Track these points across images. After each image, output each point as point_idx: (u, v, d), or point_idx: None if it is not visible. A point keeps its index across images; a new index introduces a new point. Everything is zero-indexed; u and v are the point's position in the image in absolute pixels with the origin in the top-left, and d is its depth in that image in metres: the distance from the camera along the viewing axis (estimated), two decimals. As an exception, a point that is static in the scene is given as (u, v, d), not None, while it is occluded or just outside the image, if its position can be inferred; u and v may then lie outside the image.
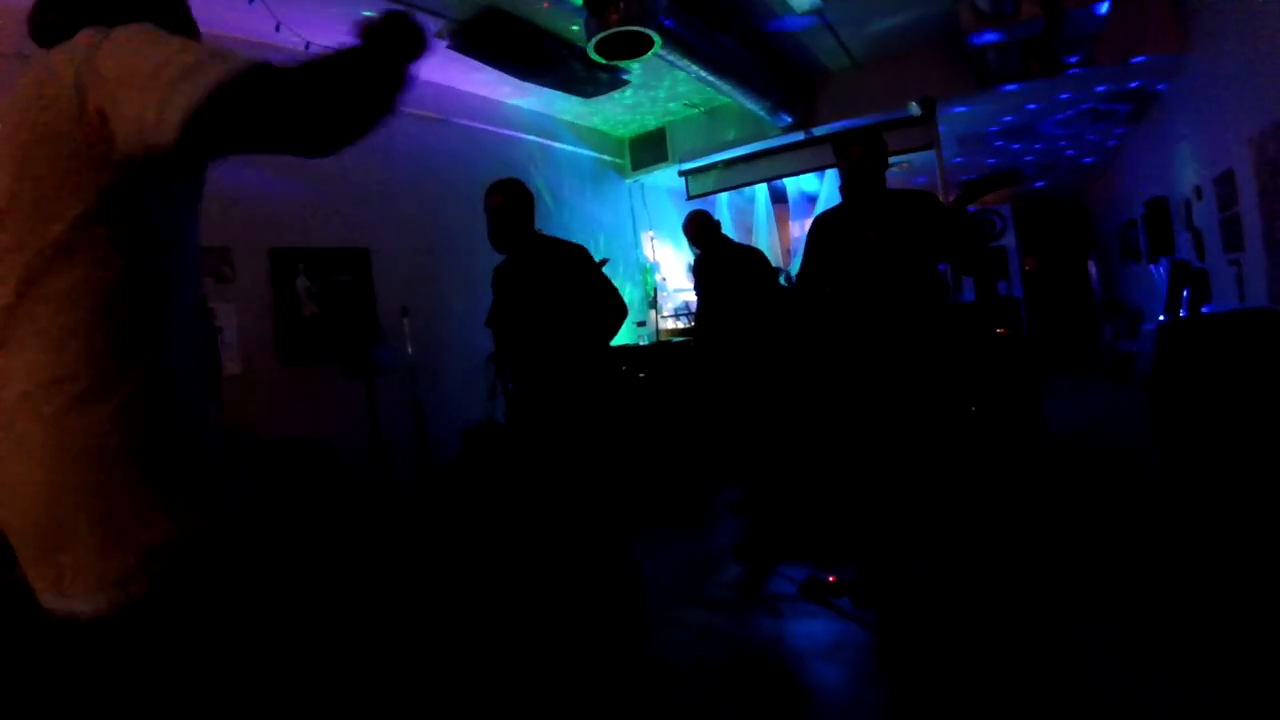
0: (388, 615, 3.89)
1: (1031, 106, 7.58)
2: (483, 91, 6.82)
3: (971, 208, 3.47)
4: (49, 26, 1.30)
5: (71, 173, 1.11)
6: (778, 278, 5.67)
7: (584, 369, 3.52)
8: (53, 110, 1.11)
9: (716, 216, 5.50)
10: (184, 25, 1.50)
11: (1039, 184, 12.08)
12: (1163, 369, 4.58)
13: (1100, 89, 7.14)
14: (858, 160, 3.48)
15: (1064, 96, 7.29)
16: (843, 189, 3.62)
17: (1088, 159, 10.63)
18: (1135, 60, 6.21)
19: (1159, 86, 7.17)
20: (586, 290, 3.50)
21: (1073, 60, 6.03)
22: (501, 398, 5.67)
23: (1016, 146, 9.41)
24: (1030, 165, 10.68)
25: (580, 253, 3.56)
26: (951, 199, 3.67)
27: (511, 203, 3.52)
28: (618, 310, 3.54)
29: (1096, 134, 9.08)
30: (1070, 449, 6.16)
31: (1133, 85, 7.10)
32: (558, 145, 7.78)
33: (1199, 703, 2.36)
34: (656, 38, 4.65)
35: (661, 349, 7.38)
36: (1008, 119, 8.01)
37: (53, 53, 1.17)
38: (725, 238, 5.37)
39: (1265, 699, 2.31)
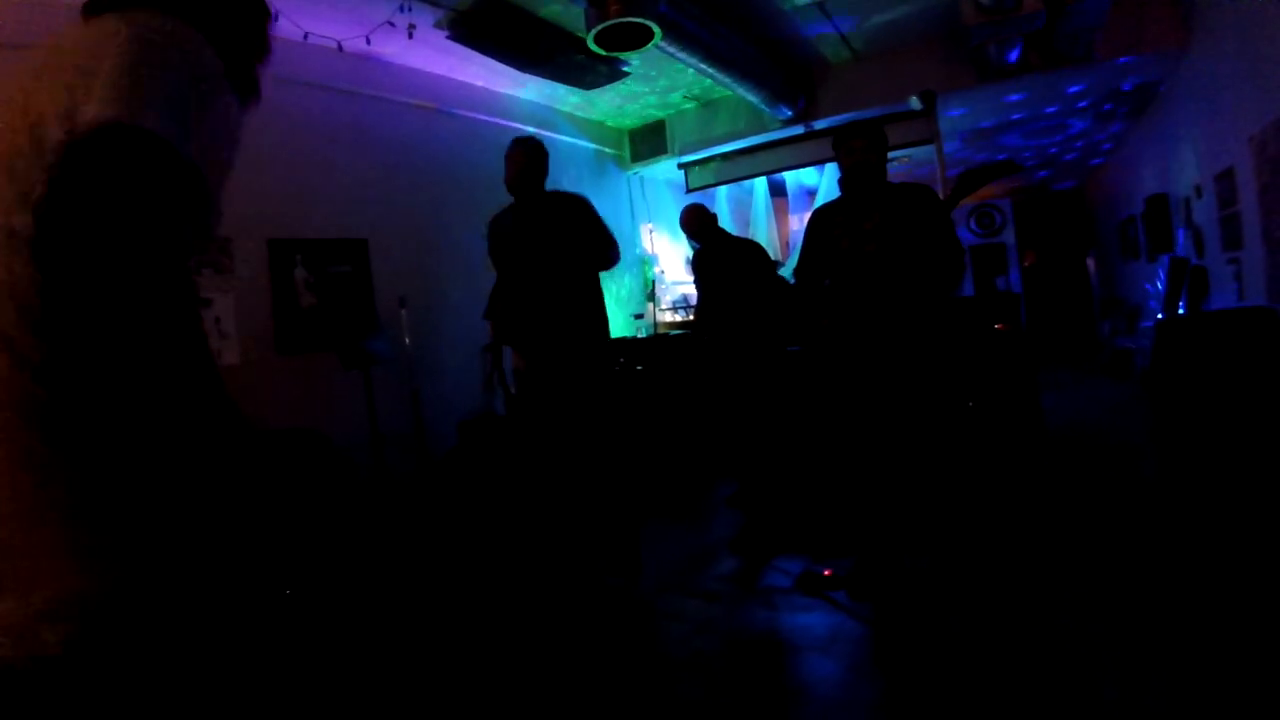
0: (381, 607, 3.90)
1: (1024, 100, 7.58)
2: (481, 82, 6.80)
3: (970, 204, 3.47)
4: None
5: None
6: (777, 270, 5.66)
7: (584, 301, 3.99)
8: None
9: (715, 209, 5.49)
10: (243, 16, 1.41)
11: (1039, 177, 12.07)
12: (1161, 366, 4.58)
13: (1100, 85, 7.13)
14: (859, 154, 3.48)
15: (1070, 90, 7.28)
16: (842, 182, 3.61)
17: (1088, 155, 10.63)
18: (1136, 56, 6.20)
19: (1160, 83, 7.16)
20: (587, 233, 4.02)
21: (1074, 55, 6.02)
22: (499, 389, 5.66)
23: (1015, 141, 9.41)
24: (1029, 160, 10.69)
25: (581, 201, 4.12)
26: (948, 190, 3.67)
27: (529, 155, 4.11)
28: (613, 250, 4.12)
29: (1097, 130, 9.07)
30: (1067, 444, 6.16)
31: (1133, 81, 7.09)
32: (556, 136, 7.76)
33: (1197, 700, 2.36)
34: (656, 29, 4.63)
35: (659, 341, 7.38)
36: (1009, 114, 8.01)
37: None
38: (723, 231, 5.35)
39: (1262, 697, 2.32)
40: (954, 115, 7.64)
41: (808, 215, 9.91)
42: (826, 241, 3.59)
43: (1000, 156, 10.20)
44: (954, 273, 3.53)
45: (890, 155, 3.71)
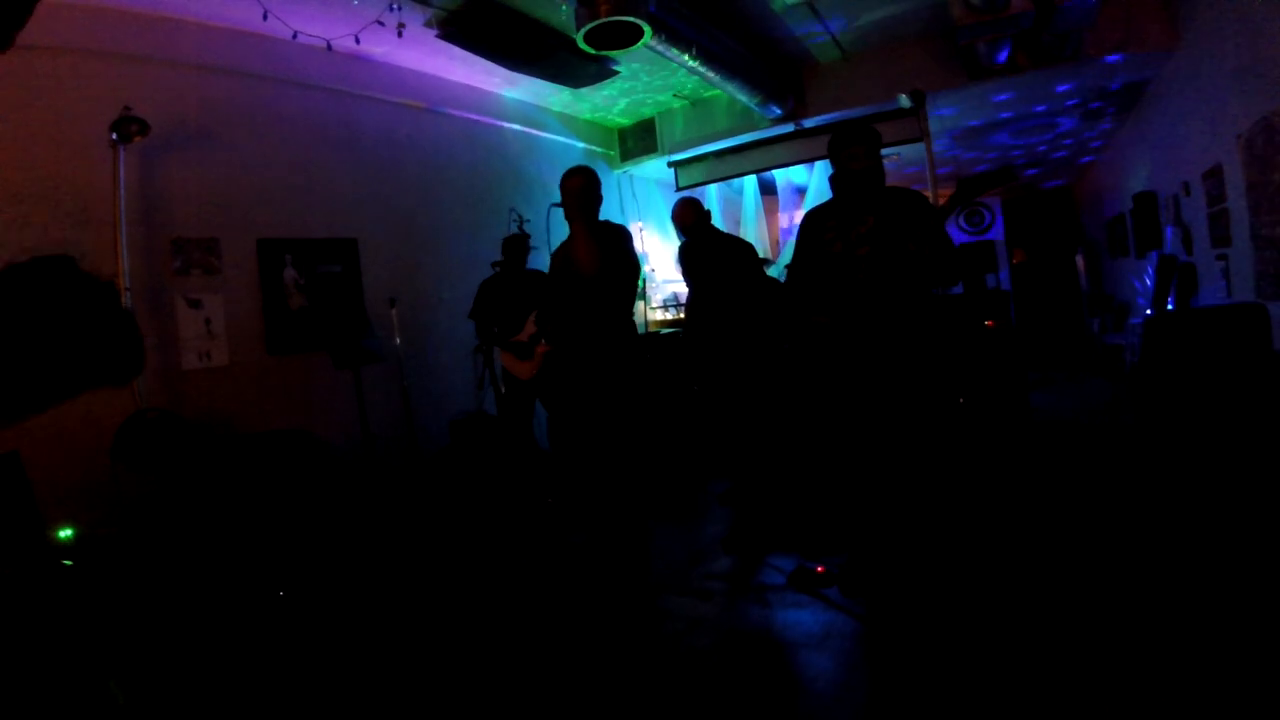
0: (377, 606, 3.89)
1: (1013, 99, 7.60)
2: (471, 81, 6.79)
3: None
4: None
5: None
6: (766, 269, 5.66)
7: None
8: None
9: (705, 207, 5.49)
10: None
11: (1028, 175, 12.11)
12: (1150, 362, 4.60)
13: (1089, 83, 7.16)
14: (862, 160, 3.46)
15: (1058, 89, 7.31)
16: (839, 185, 3.61)
17: (1077, 153, 10.67)
18: (1125, 55, 6.23)
19: (1148, 82, 7.20)
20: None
21: (1063, 54, 6.05)
22: (490, 389, 5.65)
23: (1004, 140, 9.44)
24: (1018, 158, 10.72)
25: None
26: (947, 196, 3.68)
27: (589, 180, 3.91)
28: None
29: (1085, 128, 9.10)
30: (1055, 440, 6.18)
31: (1122, 80, 7.12)
32: (546, 135, 7.75)
33: (1188, 694, 2.37)
34: (646, 28, 4.63)
35: (650, 340, 7.37)
36: (999, 112, 8.03)
37: None
38: (714, 228, 5.35)
39: (1252, 689, 2.33)
40: (943, 114, 7.66)
41: (798, 213, 9.89)
42: (819, 244, 3.59)
43: (990, 156, 10.25)
44: (951, 277, 3.55)
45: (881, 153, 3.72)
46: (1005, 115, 8.15)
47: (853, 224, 3.47)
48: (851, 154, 3.48)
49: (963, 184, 3.50)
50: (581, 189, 3.81)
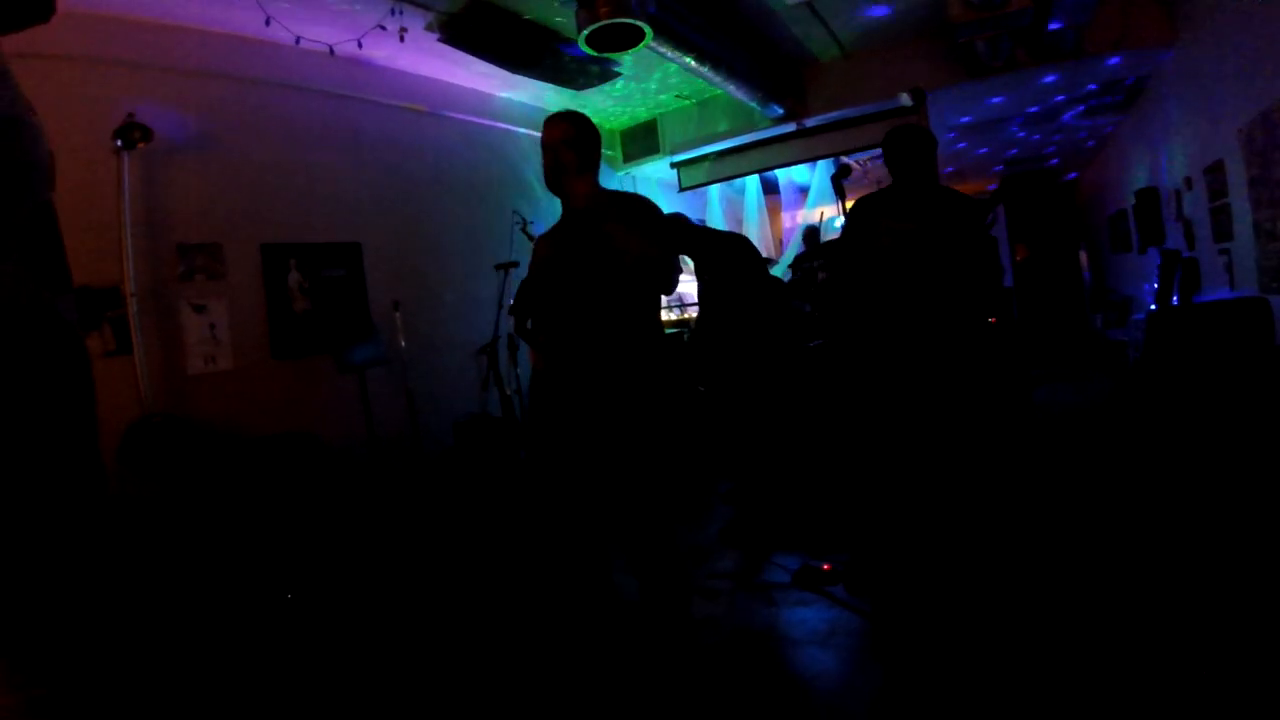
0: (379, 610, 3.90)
1: (1012, 96, 7.60)
2: (473, 85, 6.80)
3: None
4: None
5: None
6: (768, 268, 5.62)
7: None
8: None
9: (707, 208, 5.46)
10: None
11: (1029, 171, 12.11)
12: (1154, 357, 4.60)
13: (1089, 80, 7.16)
14: (909, 164, 3.59)
15: (1058, 85, 7.31)
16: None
17: (1078, 149, 10.66)
18: (1124, 51, 6.23)
19: (1148, 77, 7.19)
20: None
21: (1063, 51, 6.06)
22: (494, 389, 5.66)
23: (1006, 137, 9.44)
24: (1020, 154, 10.72)
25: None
26: (990, 190, 3.78)
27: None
28: None
29: (1086, 125, 9.10)
30: (1059, 437, 6.18)
31: (1121, 76, 7.12)
32: (549, 138, 7.76)
33: (1189, 693, 2.38)
34: (647, 30, 4.64)
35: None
36: (999, 109, 8.03)
37: None
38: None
39: (1254, 686, 2.33)
40: (944, 111, 7.65)
41: (800, 213, 9.82)
42: (864, 237, 3.66)
43: (992, 151, 10.24)
44: (989, 293, 3.62)
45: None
46: (1006, 112, 8.15)
47: (900, 219, 3.58)
48: (898, 159, 3.60)
49: (1006, 181, 3.60)
50: (575, 139, 3.00)
